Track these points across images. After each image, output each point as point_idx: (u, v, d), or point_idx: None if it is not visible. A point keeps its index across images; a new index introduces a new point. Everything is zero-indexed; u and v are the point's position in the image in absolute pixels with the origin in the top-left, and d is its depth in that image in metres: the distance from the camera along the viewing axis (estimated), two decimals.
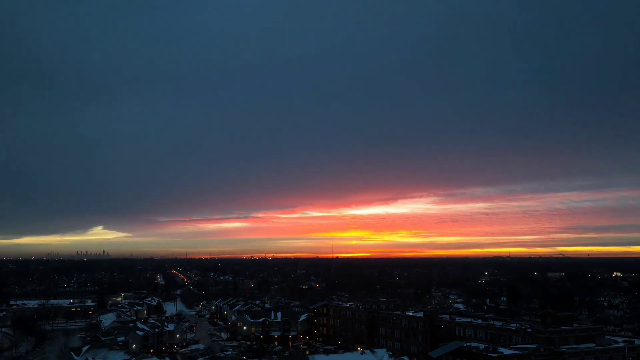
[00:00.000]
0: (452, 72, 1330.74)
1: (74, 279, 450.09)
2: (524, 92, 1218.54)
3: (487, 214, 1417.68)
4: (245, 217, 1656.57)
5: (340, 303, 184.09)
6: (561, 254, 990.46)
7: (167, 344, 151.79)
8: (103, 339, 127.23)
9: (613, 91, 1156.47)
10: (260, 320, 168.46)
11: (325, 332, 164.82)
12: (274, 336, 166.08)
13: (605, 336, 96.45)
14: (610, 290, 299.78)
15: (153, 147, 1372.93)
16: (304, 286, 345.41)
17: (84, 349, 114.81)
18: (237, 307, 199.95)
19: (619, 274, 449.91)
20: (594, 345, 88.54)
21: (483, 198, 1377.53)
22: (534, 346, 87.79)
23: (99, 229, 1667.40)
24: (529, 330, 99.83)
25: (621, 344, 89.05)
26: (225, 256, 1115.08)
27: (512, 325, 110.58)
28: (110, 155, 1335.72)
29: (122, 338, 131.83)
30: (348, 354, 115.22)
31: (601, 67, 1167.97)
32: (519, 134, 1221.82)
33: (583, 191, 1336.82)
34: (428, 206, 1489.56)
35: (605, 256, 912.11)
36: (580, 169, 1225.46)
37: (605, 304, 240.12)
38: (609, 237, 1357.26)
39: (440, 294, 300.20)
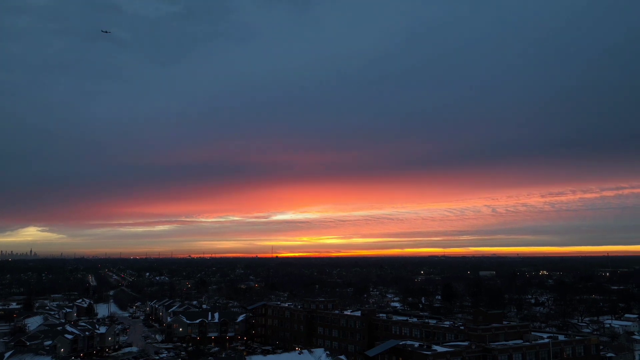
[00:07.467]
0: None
1: None
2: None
3: (391, 219, 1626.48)
4: (175, 221, 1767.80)
5: (279, 303, 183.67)
6: (492, 253, 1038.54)
7: (99, 348, 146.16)
8: (28, 343, 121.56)
9: None
10: (197, 321, 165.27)
11: (263, 333, 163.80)
12: (211, 337, 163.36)
13: (532, 332, 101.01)
14: (537, 288, 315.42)
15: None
16: (243, 286, 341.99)
17: (7, 354, 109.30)
18: (174, 308, 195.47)
19: (545, 272, 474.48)
20: (522, 341, 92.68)
21: (375, 206, 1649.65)
22: (466, 343, 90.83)
23: (31, 230, 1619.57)
24: (462, 328, 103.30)
25: (546, 340, 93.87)
26: (161, 256, 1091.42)
27: (446, 323, 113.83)
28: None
29: (49, 342, 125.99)
30: (286, 354, 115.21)
31: None
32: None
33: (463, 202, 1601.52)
34: (329, 213, 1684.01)
35: (529, 255, 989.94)
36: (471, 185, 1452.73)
37: (532, 301, 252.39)
38: (504, 237, 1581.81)
39: (377, 292, 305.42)
